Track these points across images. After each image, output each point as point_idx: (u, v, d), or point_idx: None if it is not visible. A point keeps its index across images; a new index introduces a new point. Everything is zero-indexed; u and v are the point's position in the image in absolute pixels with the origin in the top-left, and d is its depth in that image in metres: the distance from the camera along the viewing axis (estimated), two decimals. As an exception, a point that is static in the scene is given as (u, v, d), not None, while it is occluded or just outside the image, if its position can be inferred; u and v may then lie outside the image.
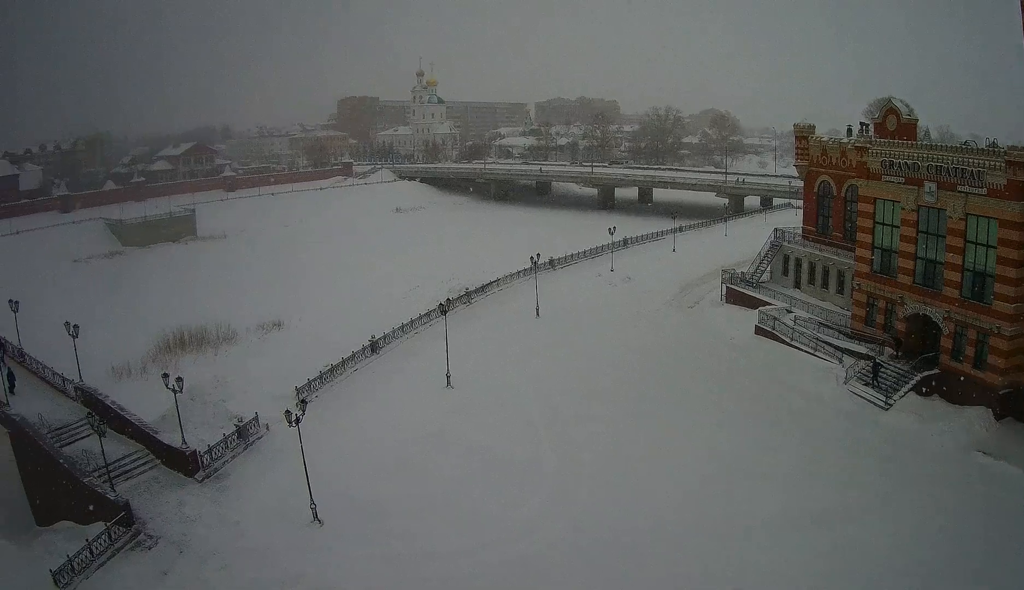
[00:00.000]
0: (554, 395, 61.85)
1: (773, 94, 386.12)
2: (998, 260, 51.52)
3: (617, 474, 48.85)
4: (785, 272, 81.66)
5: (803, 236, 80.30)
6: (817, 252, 76.33)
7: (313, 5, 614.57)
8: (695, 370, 66.29)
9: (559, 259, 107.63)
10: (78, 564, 41.65)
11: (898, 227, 60.10)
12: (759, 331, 71.05)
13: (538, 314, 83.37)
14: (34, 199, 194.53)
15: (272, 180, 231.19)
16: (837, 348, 63.50)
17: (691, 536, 41.84)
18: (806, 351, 65.30)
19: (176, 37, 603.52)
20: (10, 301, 72.30)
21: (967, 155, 52.94)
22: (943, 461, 48.46)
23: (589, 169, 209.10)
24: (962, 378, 54.37)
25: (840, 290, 72.70)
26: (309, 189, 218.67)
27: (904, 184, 58.58)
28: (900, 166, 58.74)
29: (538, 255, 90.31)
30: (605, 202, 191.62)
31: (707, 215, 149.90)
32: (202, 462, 52.04)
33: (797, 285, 79.26)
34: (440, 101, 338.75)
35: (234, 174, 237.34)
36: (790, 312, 71.75)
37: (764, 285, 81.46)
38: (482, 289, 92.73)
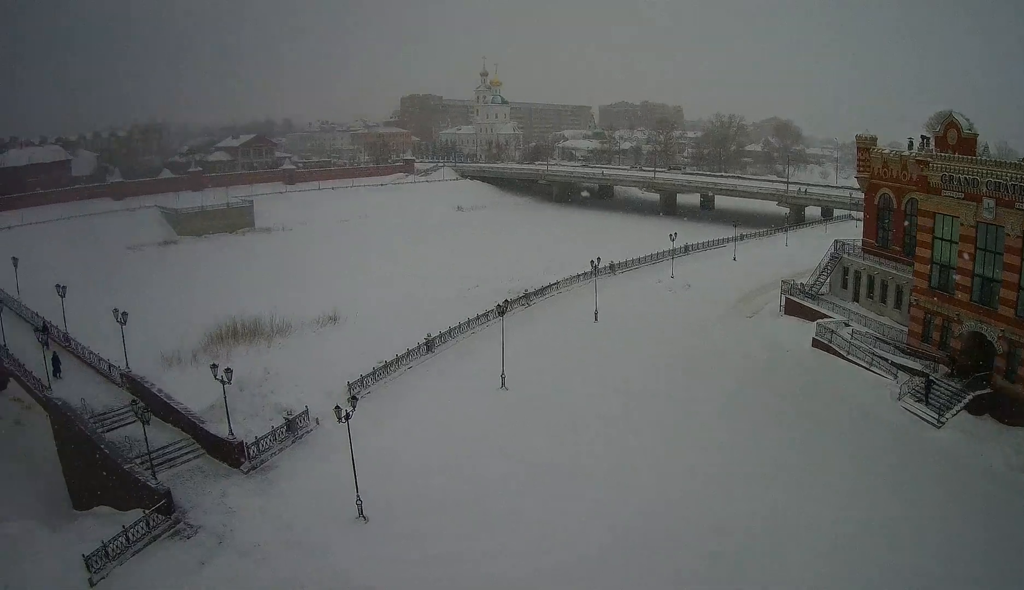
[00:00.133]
0: (608, 402, 61.13)
1: (837, 104, 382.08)
2: (1053, 281, 51.05)
3: (667, 486, 48.14)
4: (844, 285, 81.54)
5: (863, 249, 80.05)
6: (876, 266, 76.13)
7: (377, 3, 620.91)
8: (751, 381, 65.89)
9: (619, 264, 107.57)
10: (112, 550, 40.93)
11: (956, 243, 59.79)
12: (816, 344, 70.88)
13: (596, 319, 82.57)
14: (87, 185, 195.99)
15: (332, 174, 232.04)
16: (892, 364, 63.33)
17: (737, 547, 41.42)
18: (862, 365, 65.06)
19: (240, 32, 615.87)
20: (57, 286, 72.87)
21: (1026, 172, 52.62)
22: (992, 481, 48.51)
23: (651, 174, 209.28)
24: (1014, 399, 54.21)
25: (897, 305, 72.40)
26: (369, 185, 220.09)
27: (963, 200, 58.43)
28: (959, 181, 58.61)
29: (598, 259, 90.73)
30: (667, 208, 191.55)
31: (768, 224, 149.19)
32: (248, 453, 51.25)
33: (856, 298, 79.08)
34: (504, 101, 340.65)
35: (293, 167, 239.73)
36: (847, 326, 71.66)
37: (823, 297, 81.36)
38: (541, 291, 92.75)
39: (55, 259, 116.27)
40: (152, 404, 55.29)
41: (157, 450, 50.39)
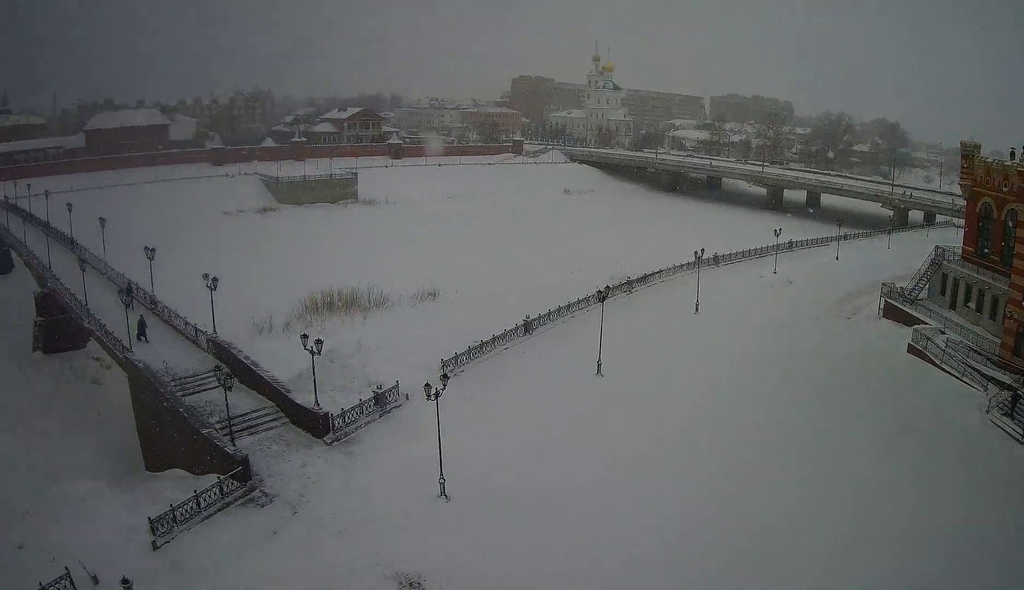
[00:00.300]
0: (703, 395, 60.34)
1: (948, 108, 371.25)
2: None
3: (754, 484, 47.04)
4: (943, 291, 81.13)
5: (962, 257, 79.43)
6: (974, 274, 75.60)
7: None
8: (843, 384, 64.42)
9: (723, 256, 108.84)
10: (181, 514, 40.49)
11: (1054, 259, 58.62)
12: (911, 350, 70.19)
13: (697, 310, 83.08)
14: (185, 150, 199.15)
15: (440, 151, 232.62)
16: (983, 375, 62.93)
17: (823, 552, 40.27)
18: (954, 375, 64.46)
19: (354, 4, 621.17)
20: (145, 248, 73.99)
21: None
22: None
23: (760, 168, 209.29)
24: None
25: (993, 316, 71.96)
26: (477, 164, 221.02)
27: (1063, 215, 57.20)
28: (1060, 196, 57.21)
29: (702, 250, 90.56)
30: (773, 203, 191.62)
31: (871, 225, 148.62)
32: (333, 425, 51.11)
33: (953, 306, 78.81)
34: (616, 87, 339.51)
35: (400, 142, 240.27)
36: (943, 334, 71.46)
37: (921, 303, 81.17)
38: (643, 279, 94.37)
39: (148, 221, 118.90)
40: (237, 370, 56.25)
41: (238, 416, 51.08)
